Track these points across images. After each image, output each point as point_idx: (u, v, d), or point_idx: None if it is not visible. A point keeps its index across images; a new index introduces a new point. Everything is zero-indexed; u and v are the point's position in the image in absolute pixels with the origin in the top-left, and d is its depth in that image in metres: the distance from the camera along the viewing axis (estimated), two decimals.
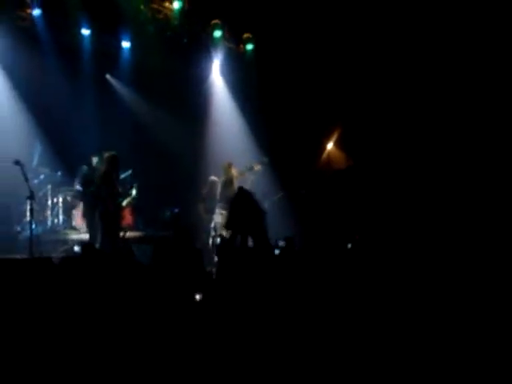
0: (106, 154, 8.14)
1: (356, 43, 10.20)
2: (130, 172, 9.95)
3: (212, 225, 9.01)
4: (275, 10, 10.07)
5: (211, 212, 9.29)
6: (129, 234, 9.60)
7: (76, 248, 8.09)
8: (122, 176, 9.97)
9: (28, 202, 7.33)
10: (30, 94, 9.67)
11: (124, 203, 9.03)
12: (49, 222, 9.53)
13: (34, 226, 7.67)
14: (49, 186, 9.54)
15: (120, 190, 8.28)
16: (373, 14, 9.74)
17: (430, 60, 9.60)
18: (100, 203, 7.98)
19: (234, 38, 10.79)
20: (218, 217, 8.94)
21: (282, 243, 7.05)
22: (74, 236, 9.19)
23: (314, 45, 10.60)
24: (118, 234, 8.21)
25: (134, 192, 9.20)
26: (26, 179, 7.10)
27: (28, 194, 7.22)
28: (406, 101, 10.02)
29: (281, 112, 11.09)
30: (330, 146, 12.57)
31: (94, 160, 9.03)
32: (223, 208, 8.74)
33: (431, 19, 9.35)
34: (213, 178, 9.52)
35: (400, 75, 9.97)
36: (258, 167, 9.31)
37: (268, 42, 11.08)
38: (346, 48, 10.40)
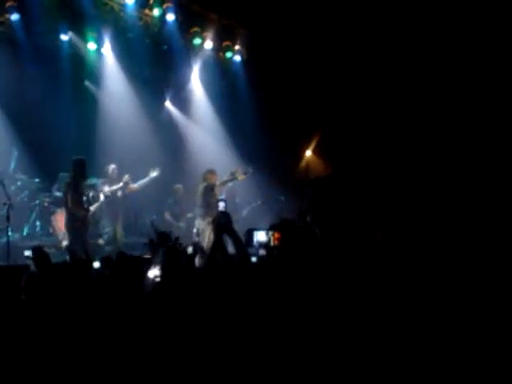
0: (73, 158, 8.05)
1: (333, 49, 10.28)
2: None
3: (194, 230, 9.05)
4: (256, 16, 10.15)
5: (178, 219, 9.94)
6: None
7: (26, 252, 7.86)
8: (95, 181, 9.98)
9: (5, 208, 7.25)
10: (6, 99, 9.56)
11: (92, 209, 8.99)
12: (25, 229, 9.41)
13: (10, 233, 7.60)
14: (26, 192, 9.43)
15: (91, 195, 8.21)
16: (353, 20, 9.83)
17: (414, 63, 9.65)
18: (66, 209, 7.89)
19: (214, 46, 10.78)
20: (201, 222, 8.98)
21: (262, 251, 7.06)
22: (50, 242, 9.10)
23: (292, 51, 10.68)
24: (87, 241, 8.00)
25: (101, 198, 9.13)
26: (3, 185, 7.03)
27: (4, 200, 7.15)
28: (388, 105, 10.09)
29: (260, 119, 11.13)
30: (308, 153, 12.66)
31: None
32: (206, 214, 8.84)
33: (415, 20, 9.41)
34: (177, 185, 10.02)
35: (381, 79, 10.05)
36: (241, 177, 9.36)
37: (249, 49, 11.17)
38: (325, 53, 10.48)
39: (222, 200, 8.44)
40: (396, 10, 9.31)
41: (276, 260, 3.80)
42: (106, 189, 8.98)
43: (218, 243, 3.92)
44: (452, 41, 9.10)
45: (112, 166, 9.19)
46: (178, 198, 10.24)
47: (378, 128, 10.33)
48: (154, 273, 3.76)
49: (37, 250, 4.02)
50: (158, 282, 3.59)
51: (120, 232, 9.17)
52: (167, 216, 10.11)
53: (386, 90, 9.98)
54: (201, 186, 9.18)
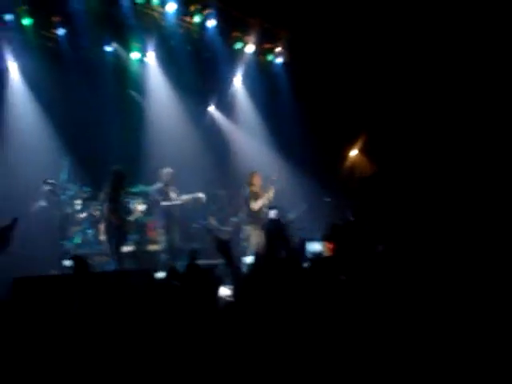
0: (112, 168, 8.20)
1: (380, 50, 10.15)
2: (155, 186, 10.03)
3: (241, 235, 9.07)
4: (296, 16, 10.12)
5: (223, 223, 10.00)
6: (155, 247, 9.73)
7: (66, 262, 7.92)
8: (147, 189, 10.12)
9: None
10: (55, 111, 9.82)
11: (132, 218, 9.14)
12: (77, 237, 9.61)
13: (62, 242, 7.80)
14: (77, 202, 9.63)
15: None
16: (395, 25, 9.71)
17: (458, 67, 9.49)
18: (104, 219, 8.08)
19: (255, 49, 10.79)
20: (247, 228, 8.99)
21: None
22: (102, 251, 9.28)
23: (337, 50, 10.59)
24: (119, 250, 8.12)
25: (142, 208, 9.20)
26: (56, 196, 7.22)
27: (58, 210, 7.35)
28: (434, 104, 9.91)
29: (303, 120, 11.08)
30: (353, 152, 12.52)
31: None
32: (251, 219, 8.85)
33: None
34: (221, 191, 10.13)
35: (426, 80, 9.88)
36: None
37: (290, 50, 11.15)
38: (370, 53, 10.36)
39: (273, 207, 8.33)
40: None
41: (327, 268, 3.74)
42: (174, 195, 9.03)
43: (270, 251, 3.87)
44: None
45: (167, 170, 9.19)
46: (222, 203, 10.29)
47: (425, 125, 10.16)
48: (225, 292, 3.67)
49: (77, 260, 4.02)
50: (231, 302, 3.50)
51: (177, 239, 9.20)
52: (212, 221, 10.15)
53: (435, 88, 9.80)
54: (245, 191, 9.18)
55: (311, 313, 3.15)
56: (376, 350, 3.06)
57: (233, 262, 3.57)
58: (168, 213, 9.03)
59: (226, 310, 3.33)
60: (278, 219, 6.82)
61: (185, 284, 3.50)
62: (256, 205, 8.83)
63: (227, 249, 3.60)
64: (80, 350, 3.32)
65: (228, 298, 3.65)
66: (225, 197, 10.36)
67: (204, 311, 3.18)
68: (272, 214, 7.75)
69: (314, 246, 5.94)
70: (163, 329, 3.12)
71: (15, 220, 2.91)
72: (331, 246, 4.21)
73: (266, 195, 8.92)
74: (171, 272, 3.91)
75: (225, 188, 10.69)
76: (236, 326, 3.10)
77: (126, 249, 9.47)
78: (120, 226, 8.01)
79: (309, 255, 4.54)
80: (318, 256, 4.43)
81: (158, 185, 9.12)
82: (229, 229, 10.13)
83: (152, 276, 4.68)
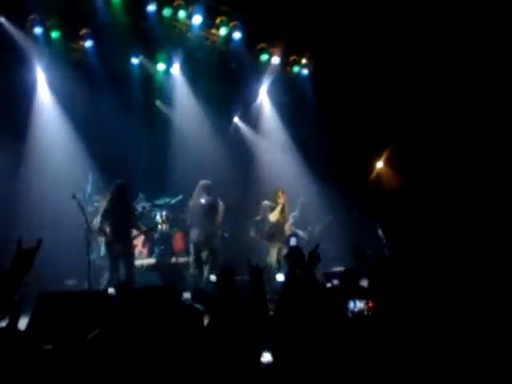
0: (115, 182, 8.09)
1: (407, 62, 10.02)
2: (180, 197, 10.03)
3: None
4: (323, 28, 10.05)
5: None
6: (181, 260, 9.69)
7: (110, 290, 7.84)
8: (173, 201, 10.09)
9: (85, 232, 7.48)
10: (81, 123, 9.86)
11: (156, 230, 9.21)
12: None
13: (89, 254, 7.81)
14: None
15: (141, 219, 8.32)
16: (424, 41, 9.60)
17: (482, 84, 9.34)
18: (104, 235, 7.93)
19: (281, 61, 10.74)
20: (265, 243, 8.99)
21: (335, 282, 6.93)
22: None
23: (363, 62, 10.49)
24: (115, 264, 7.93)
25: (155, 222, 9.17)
26: (83, 212, 7.25)
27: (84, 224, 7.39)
28: (461, 117, 9.75)
29: (328, 131, 10.98)
30: (379, 164, 12.34)
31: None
32: (269, 235, 8.94)
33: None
34: (265, 202, 9.55)
35: (452, 93, 9.73)
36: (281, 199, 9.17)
37: (316, 62, 11.08)
38: (396, 65, 10.24)
39: (292, 235, 8.25)
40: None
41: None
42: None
43: (293, 281, 3.74)
44: None
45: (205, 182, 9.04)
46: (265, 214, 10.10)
47: (451, 137, 10.00)
48: (266, 357, 3.47)
49: (121, 287, 3.94)
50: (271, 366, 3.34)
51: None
52: (252, 233, 9.93)
53: (462, 100, 9.64)
54: (264, 206, 9.13)
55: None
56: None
57: (262, 294, 3.41)
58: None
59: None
60: (298, 246, 6.76)
61: (213, 313, 3.34)
62: (273, 216, 8.91)
63: (260, 278, 3.48)
64: (102, 370, 3.27)
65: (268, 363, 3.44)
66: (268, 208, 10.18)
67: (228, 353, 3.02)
68: (292, 241, 7.66)
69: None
70: (181, 357, 3.02)
71: (39, 242, 2.87)
72: (372, 304, 4.14)
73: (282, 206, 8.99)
74: (197, 294, 3.81)
75: (248, 201, 10.59)
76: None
77: (148, 261, 9.48)
78: (111, 242, 7.83)
79: (349, 313, 4.37)
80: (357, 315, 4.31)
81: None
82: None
83: (177, 296, 4.55)
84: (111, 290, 6.07)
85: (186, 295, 6.49)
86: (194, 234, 8.77)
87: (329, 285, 6.80)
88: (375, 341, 3.28)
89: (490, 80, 9.32)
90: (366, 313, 4.55)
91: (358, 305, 4.76)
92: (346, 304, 4.08)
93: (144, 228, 8.41)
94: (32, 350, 2.72)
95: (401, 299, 3.55)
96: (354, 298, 4.70)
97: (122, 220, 7.85)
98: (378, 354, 3.17)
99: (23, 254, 2.82)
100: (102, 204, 7.94)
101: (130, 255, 8.02)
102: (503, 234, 7.78)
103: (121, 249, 7.81)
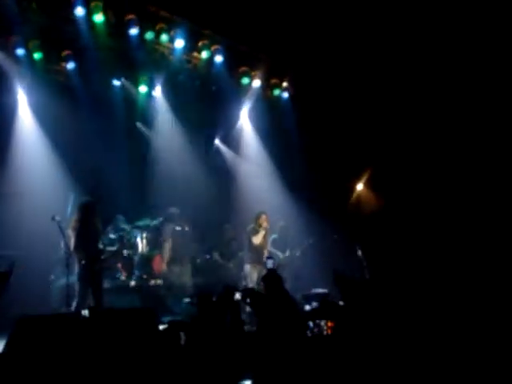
0: (80, 201, 7.93)
1: (386, 84, 10.21)
2: (160, 219, 10.01)
3: (242, 273, 9.15)
4: (303, 51, 10.20)
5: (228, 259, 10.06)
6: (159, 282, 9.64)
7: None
8: (154, 223, 10.06)
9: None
10: (62, 144, 9.86)
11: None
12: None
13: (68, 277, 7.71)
14: None
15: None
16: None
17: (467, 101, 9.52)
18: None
19: (262, 84, 10.85)
20: (247, 266, 9.16)
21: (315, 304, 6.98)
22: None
23: (343, 85, 10.65)
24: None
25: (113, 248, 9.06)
26: (63, 234, 7.20)
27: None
28: (442, 140, 9.92)
29: (309, 154, 11.10)
30: (359, 186, 12.43)
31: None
32: (251, 258, 9.06)
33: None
34: (226, 225, 10.21)
35: (434, 115, 9.91)
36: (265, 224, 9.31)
37: (297, 85, 11.21)
38: (376, 88, 10.42)
39: (269, 258, 8.30)
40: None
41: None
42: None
43: (270, 303, 3.78)
44: None
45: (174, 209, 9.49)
46: (227, 237, 10.26)
47: (430, 159, 10.15)
48: None
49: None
50: None
51: (188, 274, 9.34)
52: (216, 256, 10.11)
53: (440, 123, 9.82)
54: (248, 229, 9.19)
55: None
56: None
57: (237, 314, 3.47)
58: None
59: None
60: (275, 269, 6.80)
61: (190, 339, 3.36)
62: (257, 239, 9.05)
63: (232, 298, 3.53)
64: None
65: None
66: (231, 231, 10.32)
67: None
68: (269, 263, 7.71)
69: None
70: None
71: (12, 265, 2.86)
72: (331, 324, 4.22)
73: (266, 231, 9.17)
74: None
75: (231, 222, 10.64)
76: None
77: (128, 283, 9.42)
78: (81, 259, 7.49)
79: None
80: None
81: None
82: (232, 265, 10.08)
83: (155, 319, 4.52)
84: (85, 312, 6.00)
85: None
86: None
87: (308, 307, 6.85)
88: (334, 359, 3.34)
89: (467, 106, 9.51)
90: (325, 332, 4.61)
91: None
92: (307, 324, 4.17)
93: (108, 253, 8.32)
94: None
95: (363, 318, 3.62)
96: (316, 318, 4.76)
97: (88, 240, 7.59)
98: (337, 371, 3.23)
99: None
100: (72, 224, 7.70)
101: (97, 277, 7.73)
102: (485, 257, 7.90)
103: (89, 269, 7.55)
